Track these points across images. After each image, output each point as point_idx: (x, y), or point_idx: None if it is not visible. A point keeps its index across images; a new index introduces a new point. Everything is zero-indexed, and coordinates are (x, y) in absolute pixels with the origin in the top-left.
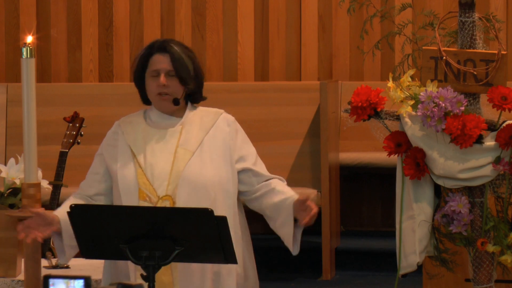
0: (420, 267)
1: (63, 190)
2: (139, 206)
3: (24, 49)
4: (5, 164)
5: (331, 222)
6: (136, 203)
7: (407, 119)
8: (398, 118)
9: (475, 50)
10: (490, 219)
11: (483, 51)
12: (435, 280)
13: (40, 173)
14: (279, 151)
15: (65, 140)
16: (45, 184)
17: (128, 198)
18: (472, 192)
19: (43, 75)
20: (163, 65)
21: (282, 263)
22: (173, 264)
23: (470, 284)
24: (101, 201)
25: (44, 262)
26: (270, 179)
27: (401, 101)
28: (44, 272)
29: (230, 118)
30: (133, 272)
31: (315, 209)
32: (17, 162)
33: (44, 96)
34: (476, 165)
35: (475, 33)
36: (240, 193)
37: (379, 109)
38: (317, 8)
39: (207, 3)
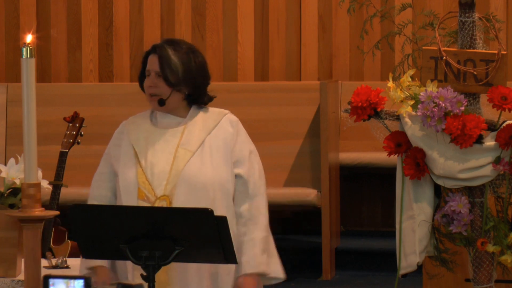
0: (420, 267)
1: (63, 190)
2: (139, 206)
3: (24, 49)
4: (5, 164)
5: (331, 222)
6: (135, 203)
7: (407, 119)
8: (398, 118)
9: (475, 50)
10: (490, 219)
11: (483, 51)
12: (435, 280)
13: (40, 173)
14: (279, 151)
15: (65, 140)
16: (45, 184)
17: (127, 197)
18: (472, 192)
19: (43, 75)
20: (153, 66)
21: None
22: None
23: (470, 284)
24: (108, 199)
25: (44, 262)
26: (248, 219)
27: (401, 101)
28: (44, 272)
29: (234, 119)
30: (131, 272)
31: None
32: (17, 162)
33: (44, 96)
34: (476, 165)
35: (475, 33)
36: None
37: (379, 109)
38: (317, 8)
39: (207, 3)
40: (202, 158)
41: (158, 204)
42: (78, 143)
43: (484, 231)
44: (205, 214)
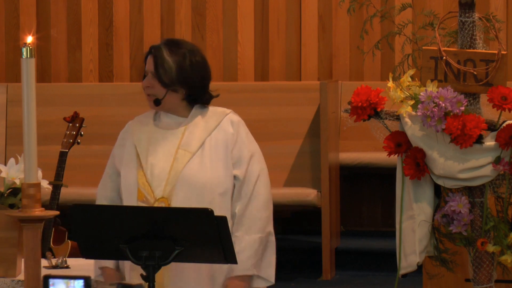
0: (420, 267)
1: (63, 190)
2: (139, 206)
3: (24, 49)
4: (5, 164)
5: (331, 222)
6: (134, 203)
7: (407, 119)
8: (398, 118)
9: (475, 50)
10: (490, 219)
11: (483, 51)
12: (435, 280)
13: (40, 173)
14: (279, 151)
15: (65, 140)
16: (45, 184)
17: (128, 198)
18: (472, 192)
19: (43, 75)
20: (149, 66)
21: (282, 263)
22: None
23: (470, 284)
24: (109, 199)
25: (44, 262)
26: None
27: (401, 101)
28: (44, 272)
29: (235, 119)
30: (128, 272)
31: None
32: (17, 162)
33: (44, 96)
34: (476, 165)
35: (475, 33)
36: None
37: (379, 109)
38: (317, 8)
39: (207, 3)
40: (201, 159)
41: (156, 205)
42: (78, 143)
43: (484, 231)
44: (205, 214)
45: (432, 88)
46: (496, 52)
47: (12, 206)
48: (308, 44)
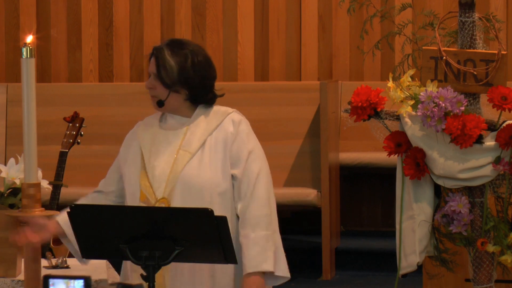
0: (420, 267)
1: (63, 190)
2: (139, 206)
3: (24, 49)
4: (5, 164)
5: (331, 222)
6: (137, 204)
7: (407, 119)
8: (398, 118)
9: (475, 50)
10: (490, 219)
11: (483, 51)
12: (435, 280)
13: (40, 173)
14: (279, 151)
15: (65, 140)
16: (45, 184)
17: (130, 199)
18: (472, 192)
19: (43, 75)
20: (151, 67)
21: None
22: None
23: (470, 284)
24: (115, 198)
25: (44, 262)
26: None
27: (401, 101)
28: (44, 272)
29: (237, 118)
30: (129, 272)
31: None
32: (17, 162)
33: (44, 96)
34: (476, 165)
35: (475, 33)
36: None
37: (379, 109)
38: (317, 8)
39: (207, 3)
40: (201, 159)
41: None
42: (78, 143)
43: (484, 231)
44: (205, 214)
45: (432, 88)
46: (496, 52)
47: (12, 206)
48: (308, 44)
